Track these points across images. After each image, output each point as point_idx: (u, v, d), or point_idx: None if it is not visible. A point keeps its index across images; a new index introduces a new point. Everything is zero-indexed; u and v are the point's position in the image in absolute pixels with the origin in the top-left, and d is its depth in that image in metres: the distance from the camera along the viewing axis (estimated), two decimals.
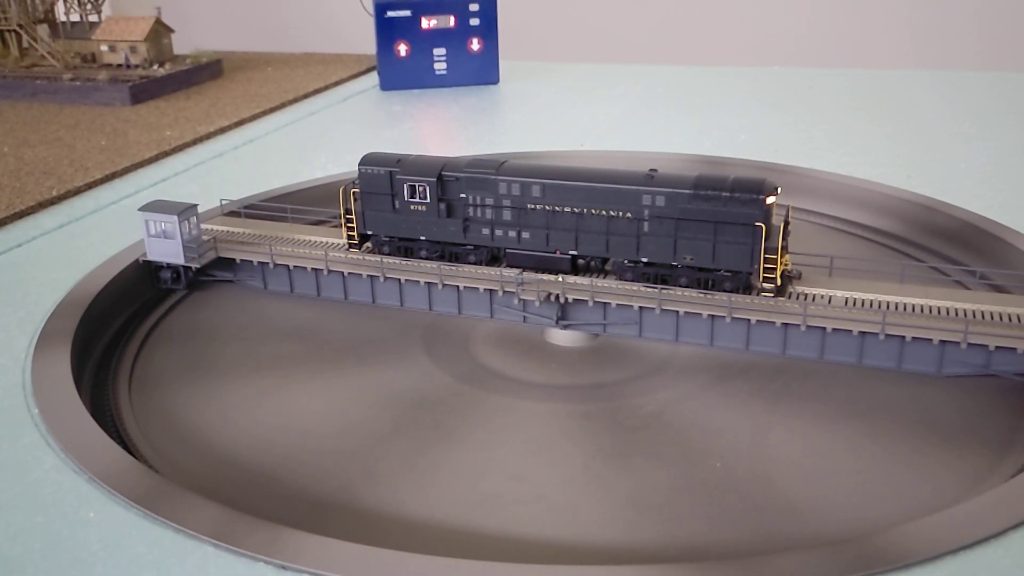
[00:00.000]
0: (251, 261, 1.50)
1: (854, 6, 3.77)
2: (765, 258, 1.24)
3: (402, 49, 2.80)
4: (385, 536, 0.96)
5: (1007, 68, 2.94)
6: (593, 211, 1.32)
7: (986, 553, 0.83)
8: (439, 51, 2.81)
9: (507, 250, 1.39)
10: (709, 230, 1.26)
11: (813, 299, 1.27)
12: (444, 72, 2.83)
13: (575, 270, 1.37)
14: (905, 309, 1.23)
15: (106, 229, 1.68)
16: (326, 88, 2.87)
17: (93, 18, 3.12)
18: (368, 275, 1.44)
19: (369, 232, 1.46)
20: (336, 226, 1.58)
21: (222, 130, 2.35)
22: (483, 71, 2.84)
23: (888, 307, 1.24)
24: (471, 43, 2.80)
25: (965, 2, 3.63)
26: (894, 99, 2.56)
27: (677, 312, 1.29)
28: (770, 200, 1.23)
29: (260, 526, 0.87)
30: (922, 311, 1.23)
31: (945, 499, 0.98)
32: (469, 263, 1.41)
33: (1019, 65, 3.37)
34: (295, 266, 1.48)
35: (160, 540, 0.86)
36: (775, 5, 3.84)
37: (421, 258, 1.44)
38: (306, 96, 2.76)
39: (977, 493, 0.97)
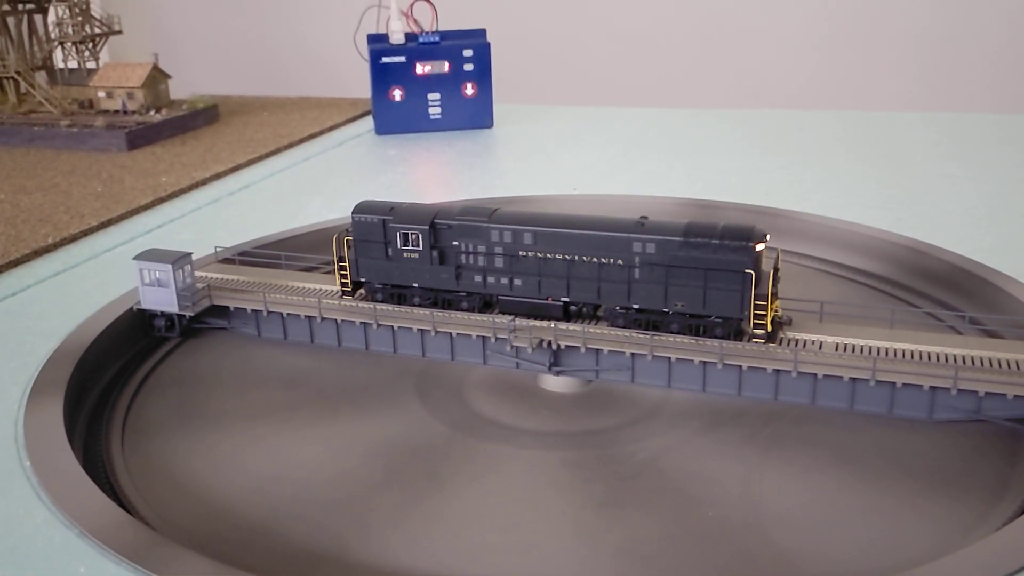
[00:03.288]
0: (245, 308, 1.51)
1: (843, 49, 3.81)
2: (755, 304, 1.25)
3: (397, 94, 2.82)
4: None
5: (994, 110, 2.97)
6: (584, 258, 1.33)
7: None
8: (434, 96, 2.84)
9: (499, 297, 1.40)
10: (699, 277, 1.27)
11: (804, 345, 1.28)
12: (439, 116, 2.86)
13: (567, 316, 1.38)
14: (895, 355, 1.24)
15: (101, 277, 1.68)
16: (321, 133, 2.89)
17: (91, 65, 3.15)
18: (361, 322, 1.44)
19: (362, 279, 1.47)
20: (330, 272, 1.59)
21: (217, 176, 2.37)
22: (477, 115, 2.86)
23: (878, 353, 1.25)
24: (465, 88, 2.83)
25: (952, 46, 3.67)
26: (883, 141, 2.58)
27: (669, 358, 1.29)
28: (759, 247, 1.24)
29: None
30: (912, 357, 1.23)
31: (937, 547, 0.98)
32: (462, 310, 1.42)
33: (1005, 107, 3.40)
34: (289, 313, 1.49)
35: None
36: (765, 49, 3.88)
37: (414, 305, 1.45)
38: (301, 141, 2.78)
39: (969, 542, 0.97)
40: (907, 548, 1.00)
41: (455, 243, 1.39)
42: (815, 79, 3.84)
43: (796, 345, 1.27)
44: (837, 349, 1.26)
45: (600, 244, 1.32)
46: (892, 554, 0.99)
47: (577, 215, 1.37)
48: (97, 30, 3.15)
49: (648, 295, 1.31)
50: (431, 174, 2.49)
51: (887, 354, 1.24)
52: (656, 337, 1.30)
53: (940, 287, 1.60)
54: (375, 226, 1.42)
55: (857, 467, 1.15)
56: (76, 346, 1.38)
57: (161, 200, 2.16)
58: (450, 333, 1.40)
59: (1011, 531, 0.96)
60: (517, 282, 1.38)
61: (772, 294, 1.26)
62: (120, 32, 3.23)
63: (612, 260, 1.32)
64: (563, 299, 1.36)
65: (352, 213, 1.44)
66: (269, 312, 1.49)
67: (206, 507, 1.11)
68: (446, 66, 2.80)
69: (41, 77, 3.09)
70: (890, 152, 2.45)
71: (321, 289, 1.53)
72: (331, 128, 2.95)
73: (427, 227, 1.39)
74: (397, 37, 2.80)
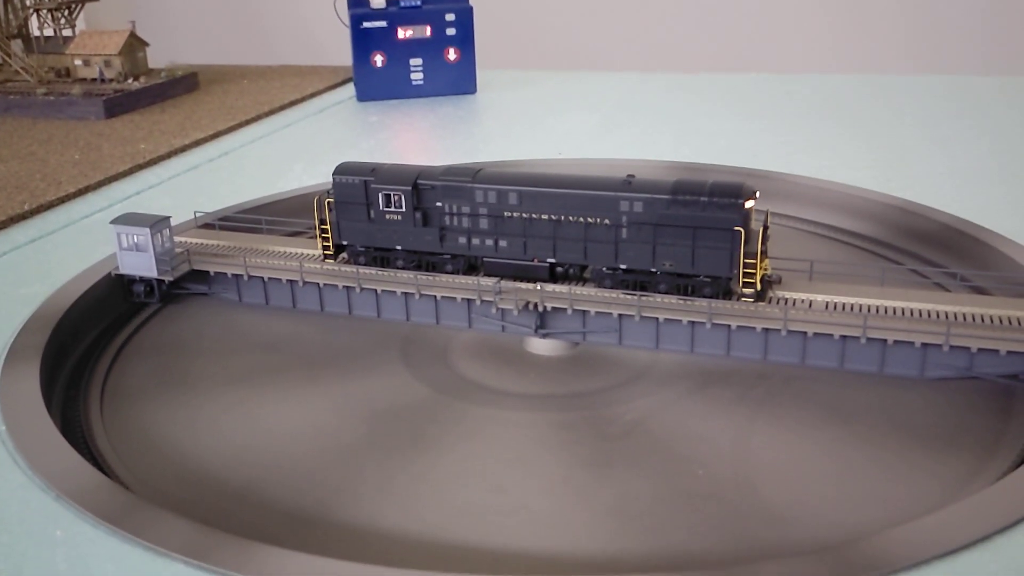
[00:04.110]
0: (225, 273, 1.48)
1: (829, 13, 3.79)
2: (744, 263, 1.23)
3: (378, 60, 2.78)
4: (362, 551, 0.94)
5: (983, 72, 2.95)
6: (571, 218, 1.31)
7: (974, 558, 0.82)
8: (415, 61, 2.79)
9: (484, 259, 1.37)
10: (688, 235, 1.25)
11: (794, 303, 1.26)
12: (421, 82, 2.82)
13: (553, 278, 1.35)
14: (886, 312, 1.22)
15: (79, 243, 1.65)
16: (302, 100, 2.85)
17: (67, 32, 3.09)
18: (344, 286, 1.42)
19: (344, 242, 1.44)
20: (312, 237, 1.56)
21: (197, 143, 2.33)
22: (460, 81, 2.83)
23: (869, 310, 1.23)
24: (447, 53, 2.79)
25: (941, 7, 3.65)
26: (871, 104, 2.56)
27: (657, 319, 1.28)
28: (748, 204, 1.22)
29: (232, 542, 0.85)
30: (903, 314, 1.22)
31: (930, 504, 0.97)
32: (446, 272, 1.40)
33: (995, 70, 3.38)
34: (270, 278, 1.46)
35: (128, 558, 0.84)
36: (751, 13, 3.85)
37: (397, 268, 1.42)
38: (282, 108, 2.74)
39: (963, 497, 0.96)
40: (900, 504, 0.99)
41: (439, 204, 1.37)
42: (803, 42, 3.81)
43: (786, 304, 1.26)
44: (827, 307, 1.25)
45: (587, 203, 1.29)
46: (884, 510, 0.98)
47: (563, 174, 1.34)
48: None
49: (636, 255, 1.28)
50: (414, 140, 2.45)
51: (878, 311, 1.23)
52: (644, 298, 1.28)
53: (931, 247, 1.59)
54: (357, 187, 1.39)
55: (848, 425, 1.14)
56: (53, 311, 1.35)
57: (140, 167, 2.12)
58: (434, 296, 1.38)
59: (1006, 486, 0.94)
60: (502, 243, 1.35)
61: (761, 252, 1.24)
62: None
63: (599, 220, 1.29)
64: (549, 260, 1.34)
65: (333, 174, 1.41)
66: (250, 277, 1.46)
67: (187, 472, 1.09)
68: (428, 31, 2.76)
69: (17, 45, 3.03)
70: (878, 114, 2.44)
71: (303, 253, 1.50)
72: (312, 95, 2.91)
73: (410, 188, 1.36)
74: (378, 1, 2.75)
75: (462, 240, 1.37)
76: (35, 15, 3.08)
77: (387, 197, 1.38)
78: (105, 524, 0.88)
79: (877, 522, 0.95)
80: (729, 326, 1.25)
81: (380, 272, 1.42)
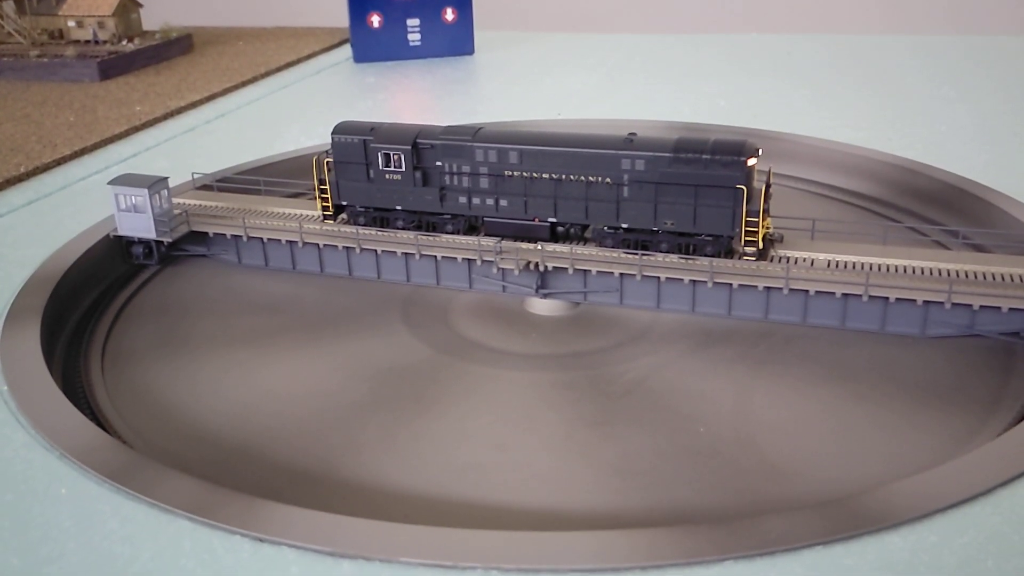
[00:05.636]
0: (224, 235, 1.47)
1: None
2: (747, 221, 1.23)
3: (375, 20, 2.76)
4: (365, 507, 0.94)
5: (986, 32, 2.93)
6: (572, 177, 1.30)
7: (975, 511, 0.82)
8: (412, 22, 2.77)
9: (485, 218, 1.37)
10: (690, 194, 1.24)
11: (795, 262, 1.26)
12: (418, 43, 2.79)
13: (554, 237, 1.35)
14: (888, 270, 1.22)
15: (76, 205, 1.64)
16: (298, 61, 2.83)
17: None
18: (344, 247, 1.41)
19: (344, 203, 1.43)
20: (311, 198, 1.55)
21: (193, 104, 2.31)
22: (458, 42, 2.80)
23: (871, 268, 1.23)
24: (445, 13, 2.77)
25: None
26: (872, 64, 2.55)
27: (658, 278, 1.27)
28: (751, 162, 1.21)
29: (236, 498, 0.85)
30: (905, 272, 1.21)
31: (932, 459, 0.97)
32: (447, 232, 1.39)
33: (998, 29, 3.36)
34: (269, 239, 1.45)
35: (133, 515, 0.84)
36: None
37: (397, 228, 1.41)
38: (278, 70, 2.72)
39: (964, 452, 0.96)
40: (901, 460, 0.99)
41: (439, 163, 1.36)
42: (802, 2, 3.78)
43: (787, 262, 1.25)
44: (829, 266, 1.25)
45: (588, 162, 1.29)
46: (886, 465, 0.98)
47: (564, 133, 1.33)
48: None
49: (637, 214, 1.28)
50: (411, 100, 2.44)
51: (880, 269, 1.22)
52: (645, 257, 1.28)
53: (933, 206, 1.58)
54: (356, 147, 1.39)
55: (849, 382, 1.14)
56: (52, 273, 1.34)
57: (136, 129, 2.10)
58: (435, 257, 1.37)
59: (1007, 440, 0.94)
60: (503, 203, 1.35)
61: (764, 211, 1.24)
62: None
63: (600, 178, 1.29)
64: (550, 220, 1.34)
65: (332, 133, 1.40)
66: (249, 238, 1.46)
67: (190, 430, 1.09)
68: None
69: (9, 7, 3.00)
70: (879, 75, 2.42)
71: (302, 214, 1.50)
72: (308, 56, 2.89)
73: (409, 147, 1.36)
74: None
75: (462, 200, 1.36)
76: None
77: (387, 156, 1.37)
78: (109, 482, 0.88)
79: (879, 477, 0.95)
80: (731, 285, 1.24)
81: (380, 232, 1.41)
